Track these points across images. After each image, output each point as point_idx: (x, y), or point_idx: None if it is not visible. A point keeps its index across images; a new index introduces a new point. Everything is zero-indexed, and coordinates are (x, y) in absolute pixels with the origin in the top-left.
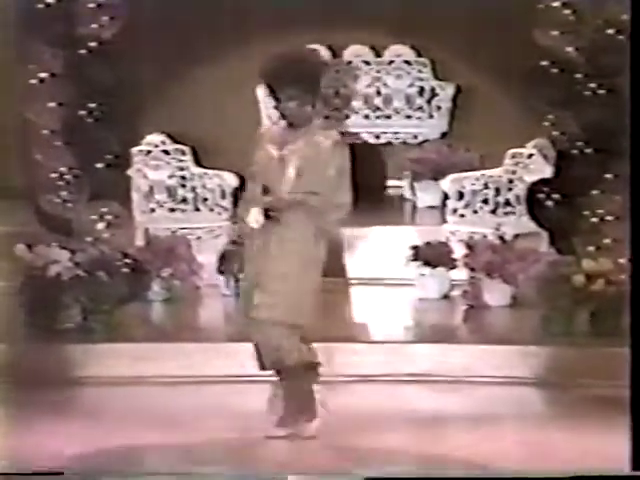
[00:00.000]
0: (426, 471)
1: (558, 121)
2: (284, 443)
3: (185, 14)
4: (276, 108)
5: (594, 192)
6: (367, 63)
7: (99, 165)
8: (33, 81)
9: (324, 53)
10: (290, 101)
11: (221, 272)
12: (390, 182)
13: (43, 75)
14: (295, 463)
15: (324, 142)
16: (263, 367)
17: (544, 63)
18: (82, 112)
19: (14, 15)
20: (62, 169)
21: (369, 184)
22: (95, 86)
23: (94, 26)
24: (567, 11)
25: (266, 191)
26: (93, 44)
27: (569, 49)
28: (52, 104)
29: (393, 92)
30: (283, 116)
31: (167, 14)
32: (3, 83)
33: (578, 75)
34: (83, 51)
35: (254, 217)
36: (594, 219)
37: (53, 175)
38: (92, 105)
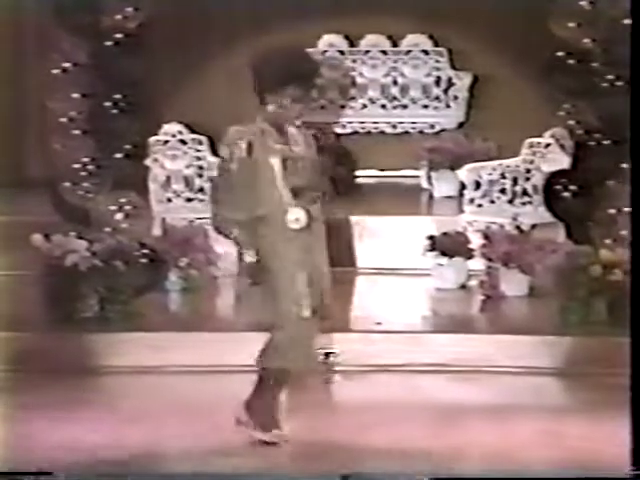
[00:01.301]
0: (437, 467)
1: (575, 111)
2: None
3: (204, 6)
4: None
5: (611, 183)
6: (384, 53)
7: (118, 155)
8: (55, 71)
9: (340, 42)
10: (291, 100)
11: None
12: (407, 172)
13: (66, 65)
14: (308, 455)
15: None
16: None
17: (561, 54)
18: (104, 102)
19: (38, 4)
20: (82, 159)
21: (386, 174)
22: (117, 77)
23: (118, 17)
24: (584, 2)
25: (296, 191)
26: (117, 35)
27: (586, 40)
28: (74, 94)
29: (410, 82)
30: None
31: (187, 6)
32: (24, 72)
33: (595, 66)
34: (107, 42)
35: (298, 217)
36: (611, 210)
37: (72, 165)
38: (113, 95)
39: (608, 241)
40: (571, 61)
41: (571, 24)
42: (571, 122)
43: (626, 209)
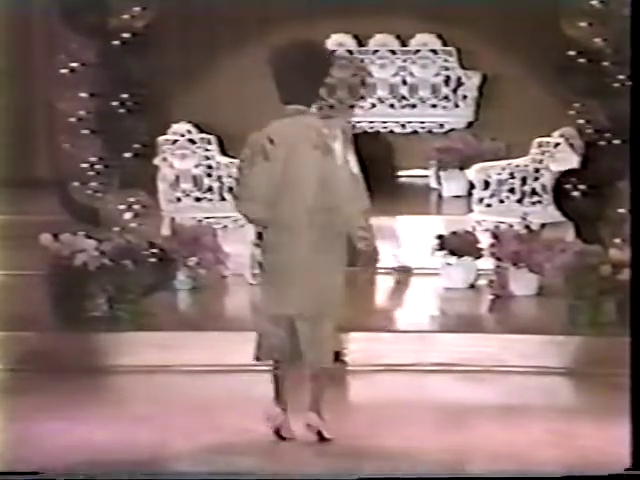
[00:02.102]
0: (446, 466)
1: (585, 111)
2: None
3: (211, 5)
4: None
5: (621, 182)
6: (393, 52)
7: (127, 154)
8: (64, 71)
9: (349, 42)
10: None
11: None
12: (416, 171)
13: (74, 65)
14: (318, 454)
15: None
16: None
17: (572, 53)
18: (112, 102)
19: (46, 4)
20: (90, 158)
21: (396, 174)
22: (125, 76)
23: (126, 17)
24: (595, 1)
25: None
26: (125, 35)
27: (597, 39)
28: (82, 94)
29: (419, 81)
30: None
31: (195, 5)
32: (33, 72)
33: (606, 65)
34: (114, 41)
35: None
36: (621, 209)
37: (81, 164)
38: (122, 95)
39: (618, 240)
40: (582, 60)
41: (582, 23)
42: (581, 122)
43: None
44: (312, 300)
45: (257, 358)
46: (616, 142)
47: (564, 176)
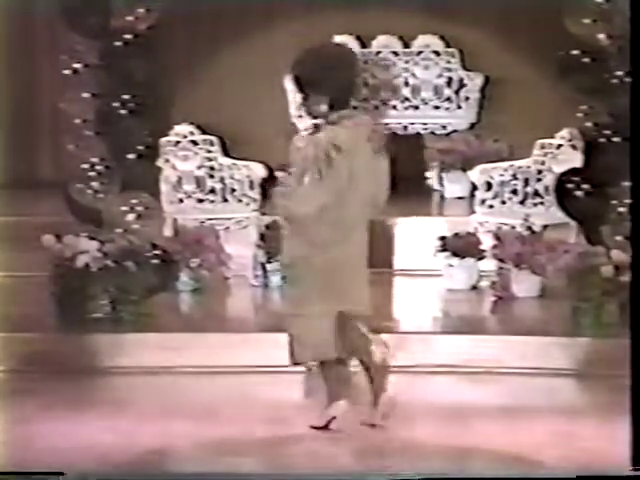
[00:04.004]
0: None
1: (589, 111)
2: (311, 433)
3: (215, 6)
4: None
5: (624, 182)
6: (395, 54)
7: (130, 156)
8: (66, 72)
9: (352, 43)
10: None
11: None
12: (418, 173)
13: (76, 66)
14: (322, 455)
15: None
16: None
17: (575, 52)
18: (115, 103)
19: (49, 5)
20: (93, 159)
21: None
22: (128, 77)
23: (129, 18)
24: None
25: None
26: (128, 36)
27: (601, 36)
28: (85, 95)
29: (421, 83)
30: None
31: (198, 6)
32: (36, 73)
33: (610, 64)
34: (117, 43)
35: None
36: (623, 209)
37: (84, 165)
38: (124, 96)
39: (620, 238)
40: (586, 59)
41: (586, 20)
42: (584, 121)
43: None
44: (363, 297)
45: (295, 363)
46: (619, 141)
47: (565, 174)
